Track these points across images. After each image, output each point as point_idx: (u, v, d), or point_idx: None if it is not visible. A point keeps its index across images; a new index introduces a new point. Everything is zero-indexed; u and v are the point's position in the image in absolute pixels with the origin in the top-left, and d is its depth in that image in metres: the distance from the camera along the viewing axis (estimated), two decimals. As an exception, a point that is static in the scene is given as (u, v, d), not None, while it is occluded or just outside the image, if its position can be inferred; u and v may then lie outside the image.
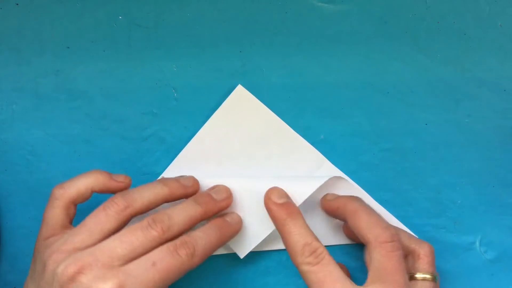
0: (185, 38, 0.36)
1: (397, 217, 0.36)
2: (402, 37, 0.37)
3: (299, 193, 0.33)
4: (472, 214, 0.37)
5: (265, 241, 0.35)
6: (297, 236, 0.30)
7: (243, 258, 0.35)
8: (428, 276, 0.31)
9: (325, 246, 0.34)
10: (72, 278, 0.26)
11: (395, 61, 0.37)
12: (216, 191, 0.33)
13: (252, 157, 0.36)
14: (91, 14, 0.36)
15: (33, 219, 0.36)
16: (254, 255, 0.36)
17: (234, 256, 0.35)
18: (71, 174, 0.35)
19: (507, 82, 0.37)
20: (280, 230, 0.31)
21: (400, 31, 0.37)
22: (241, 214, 0.34)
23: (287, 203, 0.32)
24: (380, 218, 0.31)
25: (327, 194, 0.35)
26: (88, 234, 0.28)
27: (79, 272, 0.27)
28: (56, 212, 0.30)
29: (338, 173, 0.36)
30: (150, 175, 0.36)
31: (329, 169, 0.36)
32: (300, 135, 0.36)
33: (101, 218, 0.29)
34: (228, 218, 0.33)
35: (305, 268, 0.29)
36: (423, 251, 0.32)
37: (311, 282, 0.29)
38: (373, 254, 0.29)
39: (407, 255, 0.32)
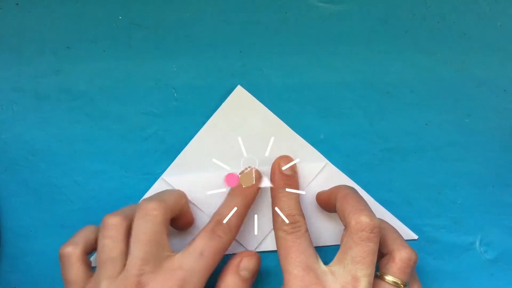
0: (185, 38, 0.36)
1: (397, 217, 0.36)
2: (402, 37, 0.37)
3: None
4: (472, 214, 0.37)
5: (269, 241, 0.35)
6: (285, 205, 0.32)
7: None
8: (393, 280, 0.30)
9: (327, 246, 0.34)
10: None
11: (395, 61, 0.37)
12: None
13: (251, 158, 0.36)
14: (91, 14, 0.36)
15: (33, 219, 0.36)
16: (254, 255, 0.36)
17: (234, 256, 0.35)
18: (71, 174, 0.36)
19: (507, 82, 0.37)
20: (273, 195, 0.33)
21: (400, 31, 0.37)
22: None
23: (292, 176, 0.34)
24: (367, 207, 0.30)
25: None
26: (112, 265, 0.29)
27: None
28: (75, 269, 0.30)
29: (338, 173, 0.36)
30: (150, 175, 0.36)
31: (329, 169, 0.36)
32: (300, 135, 0.36)
33: (109, 245, 0.29)
34: None
35: (280, 233, 0.31)
36: (399, 255, 0.30)
37: (280, 247, 0.31)
38: (347, 238, 0.29)
39: (386, 254, 0.31)
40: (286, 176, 0.34)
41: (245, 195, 0.33)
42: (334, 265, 0.30)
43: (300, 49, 0.36)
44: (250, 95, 0.36)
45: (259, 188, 0.34)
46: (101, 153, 0.36)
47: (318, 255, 0.30)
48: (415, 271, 0.32)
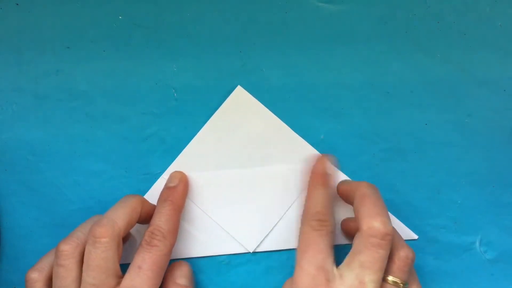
0: (185, 38, 0.36)
1: (397, 217, 0.36)
2: (402, 37, 0.37)
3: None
4: (472, 214, 0.37)
5: (269, 240, 0.35)
6: (317, 202, 0.32)
7: (243, 257, 0.35)
8: (393, 279, 0.30)
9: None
10: None
11: (395, 61, 0.37)
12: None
13: (251, 158, 0.36)
14: (91, 14, 0.36)
15: (33, 219, 0.36)
16: (254, 255, 0.36)
17: (234, 256, 0.35)
18: (71, 174, 0.36)
19: (507, 82, 0.37)
20: (308, 190, 0.33)
21: (400, 31, 0.37)
22: (249, 205, 0.35)
23: (330, 175, 0.33)
24: (383, 212, 0.30)
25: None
26: None
27: None
28: None
29: (338, 173, 0.36)
30: (150, 175, 0.36)
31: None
32: (300, 135, 0.36)
33: (61, 273, 0.30)
34: (170, 184, 0.34)
35: (305, 228, 0.31)
36: (397, 255, 0.30)
37: (301, 241, 0.30)
38: (358, 241, 0.29)
39: None
40: (325, 175, 0.33)
41: (172, 199, 0.33)
42: (342, 267, 0.29)
43: (300, 49, 0.36)
44: (250, 96, 0.36)
45: (185, 189, 0.34)
46: (101, 153, 0.36)
47: (334, 259, 0.30)
48: (414, 270, 0.32)
